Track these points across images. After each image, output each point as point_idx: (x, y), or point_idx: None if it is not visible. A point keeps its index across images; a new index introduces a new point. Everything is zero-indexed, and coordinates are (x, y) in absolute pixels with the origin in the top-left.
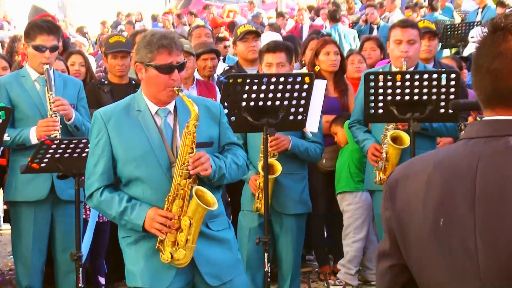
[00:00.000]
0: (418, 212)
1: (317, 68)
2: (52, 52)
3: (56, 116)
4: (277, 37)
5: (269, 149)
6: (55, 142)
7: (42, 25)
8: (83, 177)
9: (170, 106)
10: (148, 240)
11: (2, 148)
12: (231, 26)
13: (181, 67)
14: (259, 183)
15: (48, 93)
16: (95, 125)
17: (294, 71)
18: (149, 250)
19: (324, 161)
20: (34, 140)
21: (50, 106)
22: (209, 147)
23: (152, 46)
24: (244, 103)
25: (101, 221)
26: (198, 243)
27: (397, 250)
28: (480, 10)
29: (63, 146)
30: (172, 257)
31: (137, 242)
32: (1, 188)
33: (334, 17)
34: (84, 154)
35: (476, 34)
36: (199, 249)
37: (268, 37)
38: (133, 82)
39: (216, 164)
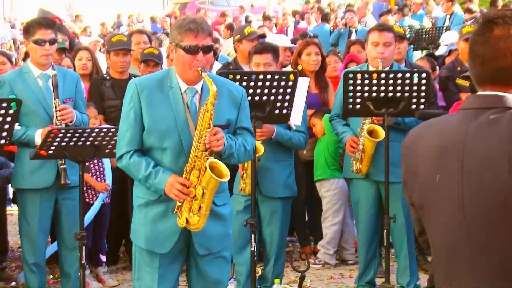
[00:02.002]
0: (421, 168)
1: (299, 67)
2: (51, 45)
3: (60, 125)
4: (283, 38)
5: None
6: (62, 131)
7: (40, 21)
8: (87, 163)
9: (198, 86)
10: (157, 205)
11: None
12: (230, 27)
13: (207, 49)
14: (243, 164)
15: (54, 100)
16: (129, 93)
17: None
18: (156, 215)
19: (305, 151)
20: (38, 142)
21: (56, 114)
22: (226, 128)
23: (181, 28)
24: None
25: (104, 202)
26: None
27: (409, 194)
28: (448, 16)
29: (69, 135)
30: (187, 222)
31: (147, 205)
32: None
33: (325, 18)
34: (87, 143)
35: (446, 38)
36: None
37: (274, 38)
38: (133, 77)
39: (228, 142)
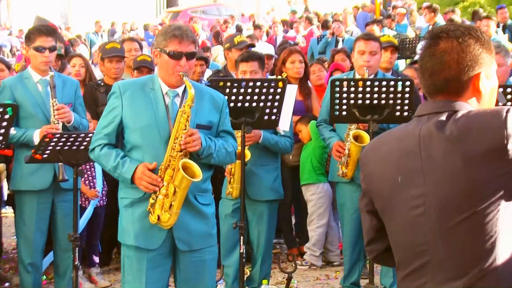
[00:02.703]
0: (381, 174)
1: (284, 75)
2: (51, 52)
3: (58, 123)
4: (266, 46)
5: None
6: (56, 136)
7: (41, 28)
8: (80, 167)
9: (179, 90)
10: (143, 203)
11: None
12: (216, 35)
13: (190, 55)
14: (230, 169)
15: (52, 99)
16: (113, 95)
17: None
18: (142, 213)
19: (291, 156)
20: (37, 142)
21: (54, 113)
22: (208, 130)
23: (166, 34)
24: None
25: (97, 205)
26: (181, 211)
27: (370, 201)
28: (431, 26)
29: (63, 139)
30: (158, 219)
31: (133, 205)
32: (7, 176)
33: (325, 26)
34: (82, 147)
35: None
36: (180, 216)
37: (263, 47)
38: None
39: (206, 142)
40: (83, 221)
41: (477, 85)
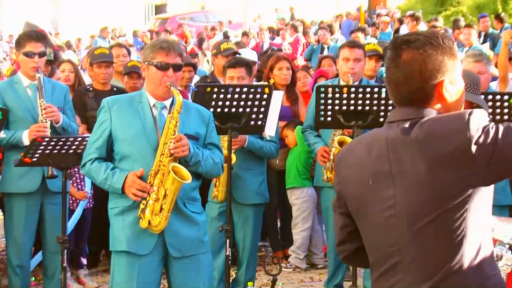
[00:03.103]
0: (353, 177)
1: (271, 81)
2: (41, 57)
3: (46, 122)
4: (250, 53)
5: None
6: (46, 139)
7: (31, 34)
8: (69, 170)
9: (167, 102)
10: (133, 211)
11: None
12: (200, 41)
13: (176, 67)
14: None
15: (39, 99)
16: (102, 110)
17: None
18: (133, 220)
19: (277, 161)
20: (26, 142)
21: (42, 112)
22: (195, 140)
23: (154, 47)
24: (212, 109)
25: (85, 207)
26: (171, 217)
27: (344, 203)
28: None
29: (52, 143)
30: (149, 223)
31: (123, 213)
32: None
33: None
34: (71, 151)
35: None
36: (170, 222)
37: (246, 53)
38: (115, 89)
39: (194, 150)
40: (72, 223)
41: (442, 92)
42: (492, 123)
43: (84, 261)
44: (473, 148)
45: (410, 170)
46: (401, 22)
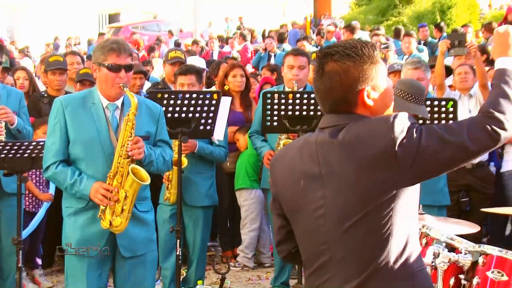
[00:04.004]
0: (287, 179)
1: (226, 88)
2: None
3: (1, 123)
4: (201, 61)
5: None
6: (1, 144)
7: None
8: (24, 174)
9: (119, 102)
10: (85, 212)
11: None
12: (150, 50)
13: (128, 68)
14: (168, 176)
15: None
16: (54, 109)
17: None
18: (85, 221)
19: (228, 163)
20: None
21: None
22: (146, 140)
23: (104, 48)
24: None
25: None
26: None
27: (279, 205)
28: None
29: (7, 147)
30: (110, 224)
31: (76, 214)
32: None
33: (281, 39)
34: (25, 155)
35: None
36: None
37: (194, 61)
38: None
39: (148, 151)
40: (34, 224)
41: (364, 100)
42: (416, 125)
43: (39, 261)
44: (397, 149)
45: (338, 172)
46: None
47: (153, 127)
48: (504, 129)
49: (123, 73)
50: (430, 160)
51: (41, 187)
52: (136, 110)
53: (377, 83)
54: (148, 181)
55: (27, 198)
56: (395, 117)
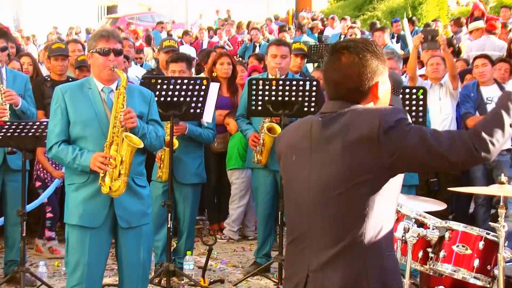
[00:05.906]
0: (286, 155)
1: (214, 74)
2: (2, 52)
3: (6, 104)
4: (192, 51)
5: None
6: (7, 123)
7: None
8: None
9: (113, 86)
10: (86, 187)
11: None
12: (148, 39)
13: (117, 52)
14: (161, 156)
15: (0, 84)
16: (55, 96)
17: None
18: (87, 195)
19: (216, 144)
20: None
21: (1, 96)
22: (140, 119)
23: (95, 36)
24: (156, 99)
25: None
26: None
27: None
28: (343, 36)
29: (13, 126)
30: (110, 189)
31: (78, 189)
32: None
33: (300, 28)
34: (30, 134)
35: None
36: (120, 196)
37: (185, 49)
38: (70, 79)
39: (141, 124)
40: (42, 197)
41: (376, 92)
42: (408, 121)
43: (48, 233)
44: (381, 137)
45: (325, 150)
46: (324, 25)
47: (145, 108)
48: (486, 150)
49: (112, 56)
50: (410, 157)
51: (54, 165)
52: (126, 84)
53: (384, 79)
54: (141, 145)
55: (42, 174)
56: (388, 108)
